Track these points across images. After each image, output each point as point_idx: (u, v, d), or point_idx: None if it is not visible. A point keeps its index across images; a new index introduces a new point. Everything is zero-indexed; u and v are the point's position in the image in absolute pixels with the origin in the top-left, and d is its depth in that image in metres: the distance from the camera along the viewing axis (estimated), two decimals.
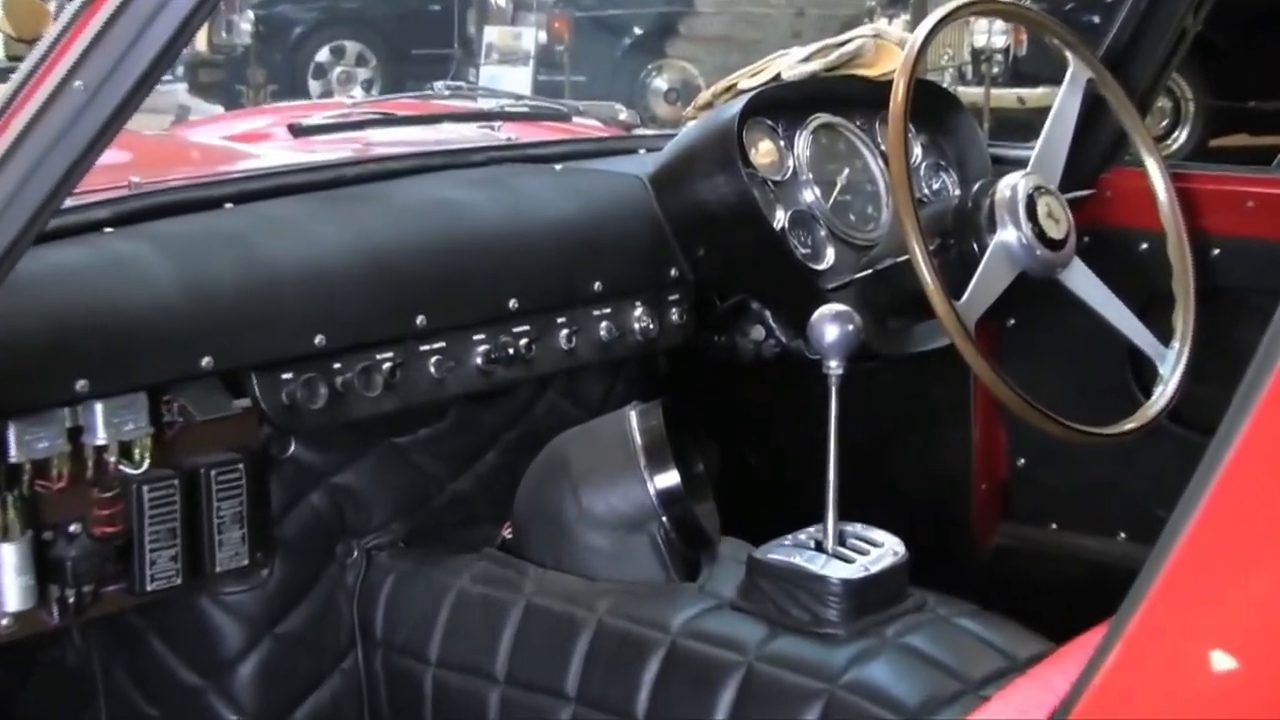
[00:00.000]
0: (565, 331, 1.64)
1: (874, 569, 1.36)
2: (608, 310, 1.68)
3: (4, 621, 1.26)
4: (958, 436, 1.94)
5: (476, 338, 1.57)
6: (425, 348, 1.52)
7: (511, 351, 1.59)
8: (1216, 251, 1.76)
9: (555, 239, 1.66)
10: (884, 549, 1.39)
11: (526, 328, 1.60)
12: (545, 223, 1.67)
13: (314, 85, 8.06)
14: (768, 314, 1.77)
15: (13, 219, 1.00)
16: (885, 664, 1.27)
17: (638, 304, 1.71)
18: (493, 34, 7.56)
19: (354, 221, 1.57)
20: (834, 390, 1.36)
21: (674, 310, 1.74)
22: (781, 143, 1.79)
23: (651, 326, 1.71)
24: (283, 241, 1.48)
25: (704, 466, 1.59)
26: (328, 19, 8.26)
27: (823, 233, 1.76)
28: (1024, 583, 1.88)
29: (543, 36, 7.42)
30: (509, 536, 1.57)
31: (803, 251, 1.74)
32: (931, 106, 1.85)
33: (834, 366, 1.37)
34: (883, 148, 1.85)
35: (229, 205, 1.53)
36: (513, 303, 1.60)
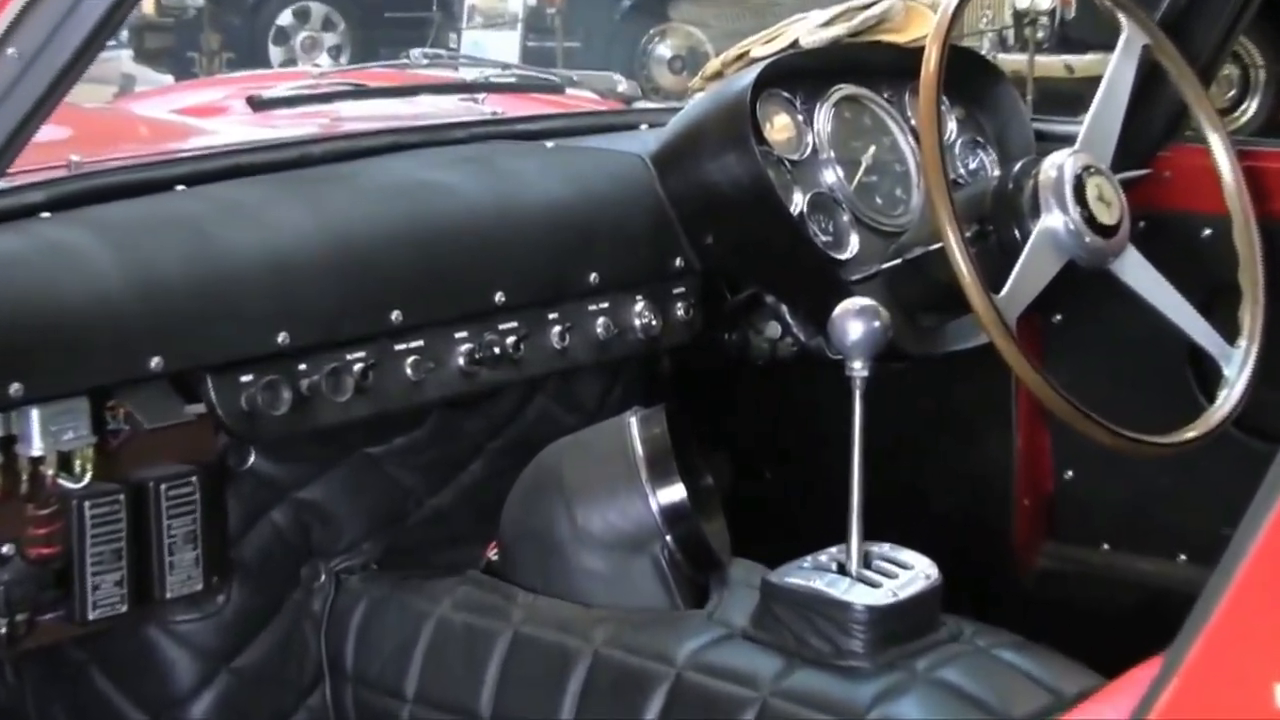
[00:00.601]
0: (558, 329, 1.65)
1: (903, 594, 1.36)
2: (605, 305, 1.69)
3: None
4: (997, 446, 1.94)
5: (458, 335, 1.58)
6: (401, 347, 1.53)
7: (497, 351, 1.59)
8: None
9: (546, 225, 1.67)
10: (914, 572, 1.40)
11: (514, 324, 1.61)
12: (535, 207, 1.68)
13: (275, 52, 7.99)
14: (784, 309, 1.78)
15: None
16: (915, 701, 1.27)
17: (639, 298, 1.72)
18: None
19: (321, 205, 1.57)
20: (858, 394, 1.37)
21: (679, 305, 1.76)
22: (800, 117, 1.80)
23: (654, 323, 1.72)
24: (241, 228, 1.48)
25: (713, 480, 1.59)
26: None
27: (846, 218, 1.77)
28: (1071, 610, 1.88)
29: None
30: (495, 558, 1.58)
31: (823, 239, 1.74)
32: (968, 76, 1.85)
33: (858, 368, 1.37)
34: (913, 123, 1.85)
35: (180, 188, 1.54)
36: (499, 296, 1.60)
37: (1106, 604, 1.89)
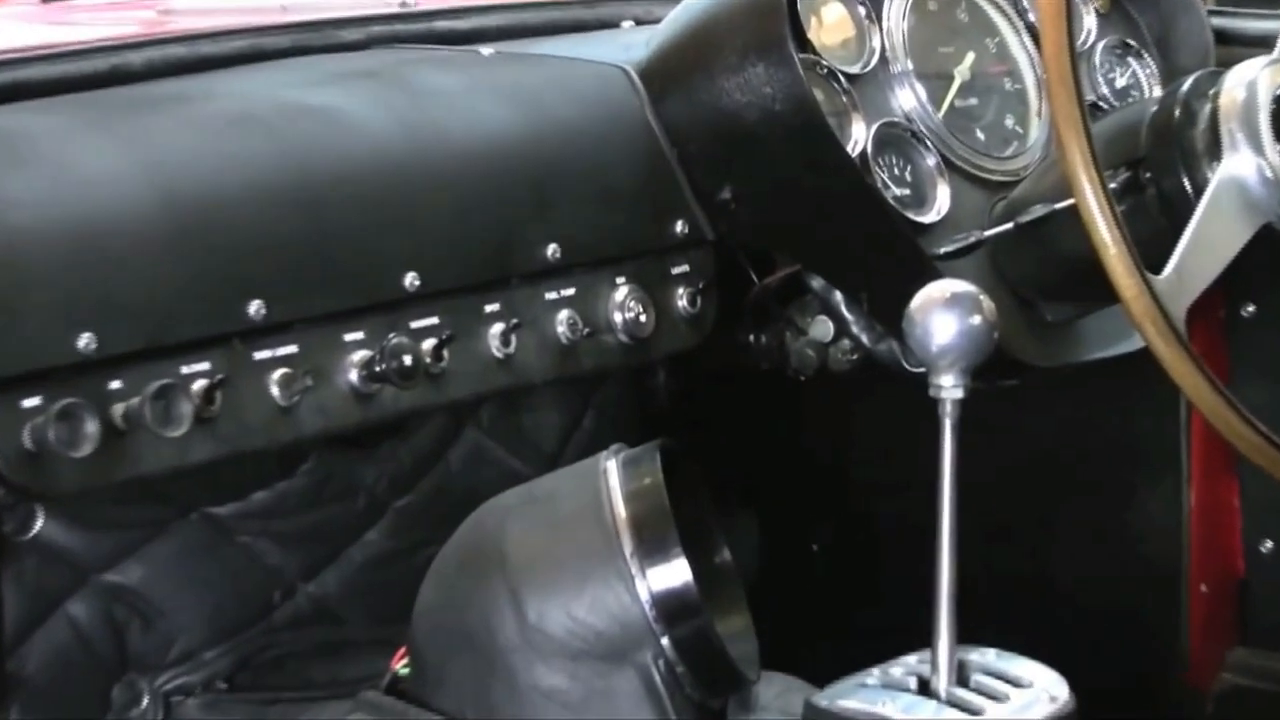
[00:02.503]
0: (498, 327, 1.66)
1: None
2: (570, 291, 1.71)
3: None
4: (1159, 504, 1.96)
5: (349, 338, 1.58)
6: (264, 355, 1.54)
7: (408, 360, 1.59)
8: None
9: (482, 172, 1.69)
10: (1034, 692, 1.40)
11: (433, 320, 1.63)
12: (464, 145, 1.70)
13: None
14: (837, 297, 1.79)
15: None
16: None
17: (620, 281, 1.75)
18: None
19: (142, 143, 1.56)
20: (949, 425, 1.37)
21: (681, 291, 1.78)
22: (861, 10, 1.82)
23: (643, 318, 1.75)
24: (20, 176, 1.48)
25: (733, 553, 1.60)
26: None
27: (930, 161, 1.79)
28: None
29: None
30: (404, 672, 1.58)
31: (897, 192, 1.76)
32: None
33: (949, 385, 1.38)
34: (1031, 18, 1.87)
35: None
36: (410, 278, 1.61)
37: None
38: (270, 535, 1.69)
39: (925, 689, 1.39)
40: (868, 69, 1.79)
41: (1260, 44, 1.74)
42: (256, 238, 1.55)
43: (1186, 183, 1.64)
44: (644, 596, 1.47)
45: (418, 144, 1.67)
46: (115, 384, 1.45)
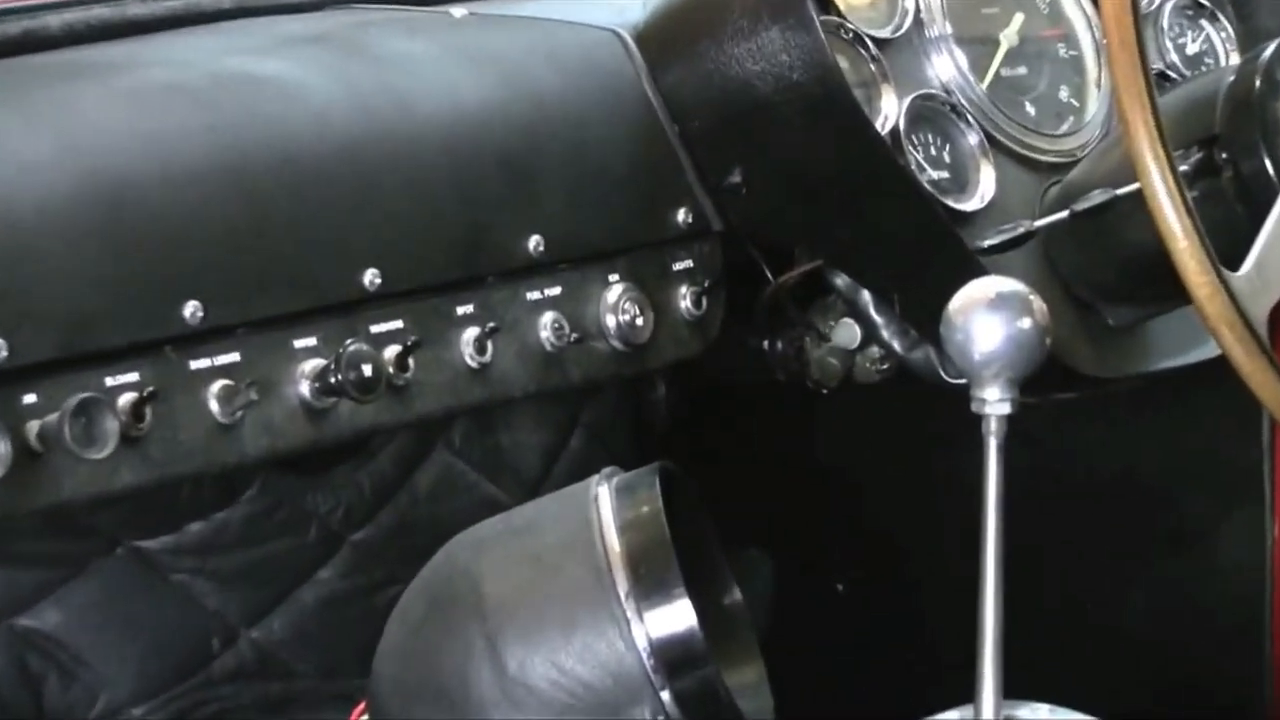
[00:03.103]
0: (472, 332, 1.67)
1: None
2: (555, 291, 1.72)
3: None
4: (1237, 536, 1.96)
5: (300, 344, 1.59)
6: (201, 364, 1.54)
7: (368, 370, 1.59)
8: None
9: (453, 152, 1.70)
10: None
11: (396, 324, 1.63)
12: (434, 121, 1.71)
13: None
14: (865, 297, 1.80)
15: None
16: None
17: (613, 278, 1.76)
18: None
19: (60, 120, 1.56)
20: (994, 446, 1.37)
21: (684, 290, 1.80)
22: None
23: (640, 321, 1.76)
24: None
25: (744, 593, 1.61)
26: None
27: (973, 140, 1.80)
28: None
29: None
30: None
31: (934, 175, 1.78)
32: None
33: (994, 399, 1.37)
34: None
35: None
36: (370, 276, 1.62)
37: None
38: (208, 573, 1.69)
39: None
40: (900, 33, 1.80)
41: None
42: (191, 229, 1.55)
43: (1268, 164, 1.64)
44: (641, 643, 1.46)
45: (378, 120, 1.67)
46: (29, 398, 1.45)
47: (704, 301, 1.79)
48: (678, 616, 1.46)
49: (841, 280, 1.81)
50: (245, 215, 1.58)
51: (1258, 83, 1.67)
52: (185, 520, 1.68)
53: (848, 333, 1.82)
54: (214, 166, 1.58)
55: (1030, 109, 1.85)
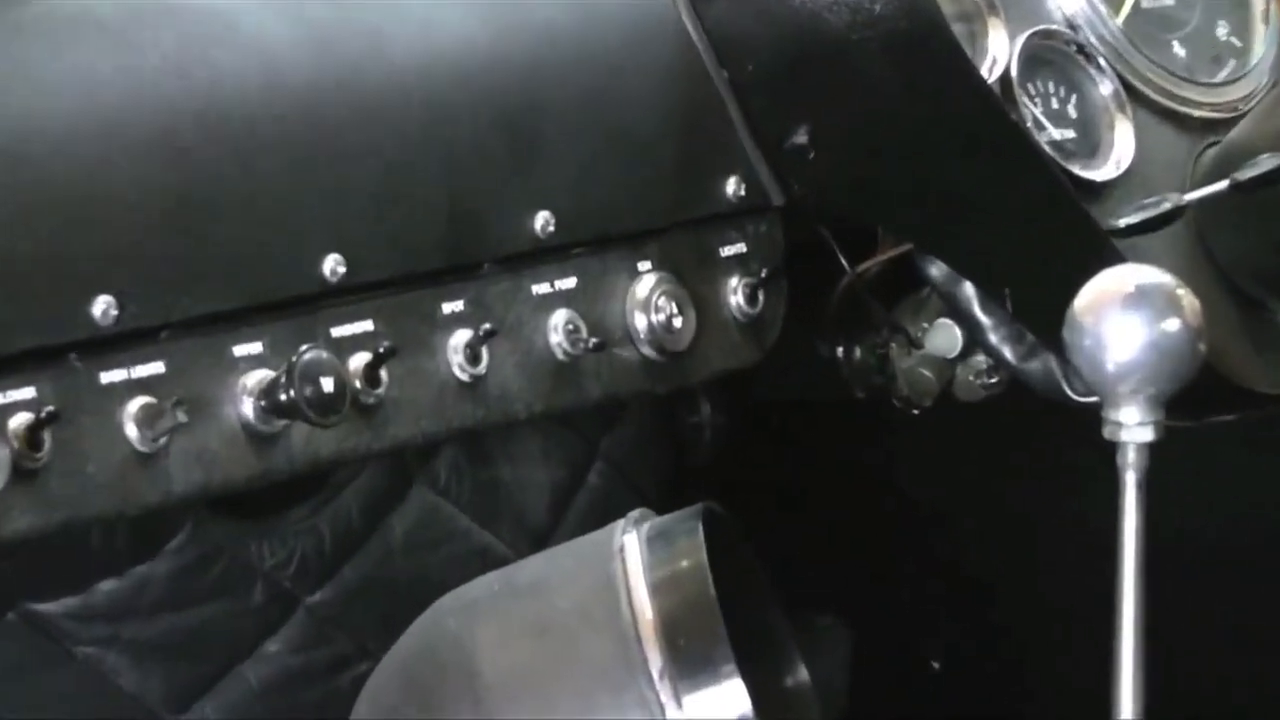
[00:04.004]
0: (462, 336, 1.67)
1: None
2: (568, 282, 1.74)
3: None
4: None
5: (241, 352, 1.58)
6: (115, 376, 1.53)
7: (329, 385, 1.58)
8: None
9: (437, 107, 1.71)
10: None
11: (365, 325, 1.63)
12: (415, 68, 1.71)
13: None
14: (967, 291, 1.80)
15: None
16: None
17: (643, 266, 1.78)
18: None
19: None
20: (1131, 482, 1.38)
21: (734, 282, 1.81)
22: None
23: (677, 322, 1.77)
24: None
25: (813, 672, 1.61)
26: None
27: (1105, 88, 1.83)
28: None
29: None
30: None
31: (1056, 135, 1.80)
32: None
33: (1132, 422, 1.38)
34: None
35: None
36: (331, 264, 1.62)
37: None
38: (123, 645, 1.69)
39: None
40: None
41: None
42: (102, 204, 1.53)
43: None
44: None
45: (341, 62, 1.67)
46: None
47: (760, 297, 1.80)
48: (727, 702, 1.45)
49: (937, 269, 1.81)
50: (171, 186, 1.56)
51: None
52: (94, 577, 1.68)
53: (946, 337, 1.83)
54: (130, 122, 1.57)
55: (1179, 50, 1.87)
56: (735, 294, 1.79)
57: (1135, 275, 1.39)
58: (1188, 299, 1.37)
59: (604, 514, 1.59)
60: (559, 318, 1.70)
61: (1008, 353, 1.80)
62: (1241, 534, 1.91)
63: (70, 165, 1.52)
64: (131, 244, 1.53)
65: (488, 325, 1.66)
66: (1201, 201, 1.71)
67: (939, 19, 1.72)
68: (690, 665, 1.46)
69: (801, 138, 1.78)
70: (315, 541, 1.77)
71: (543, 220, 1.69)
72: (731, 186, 1.79)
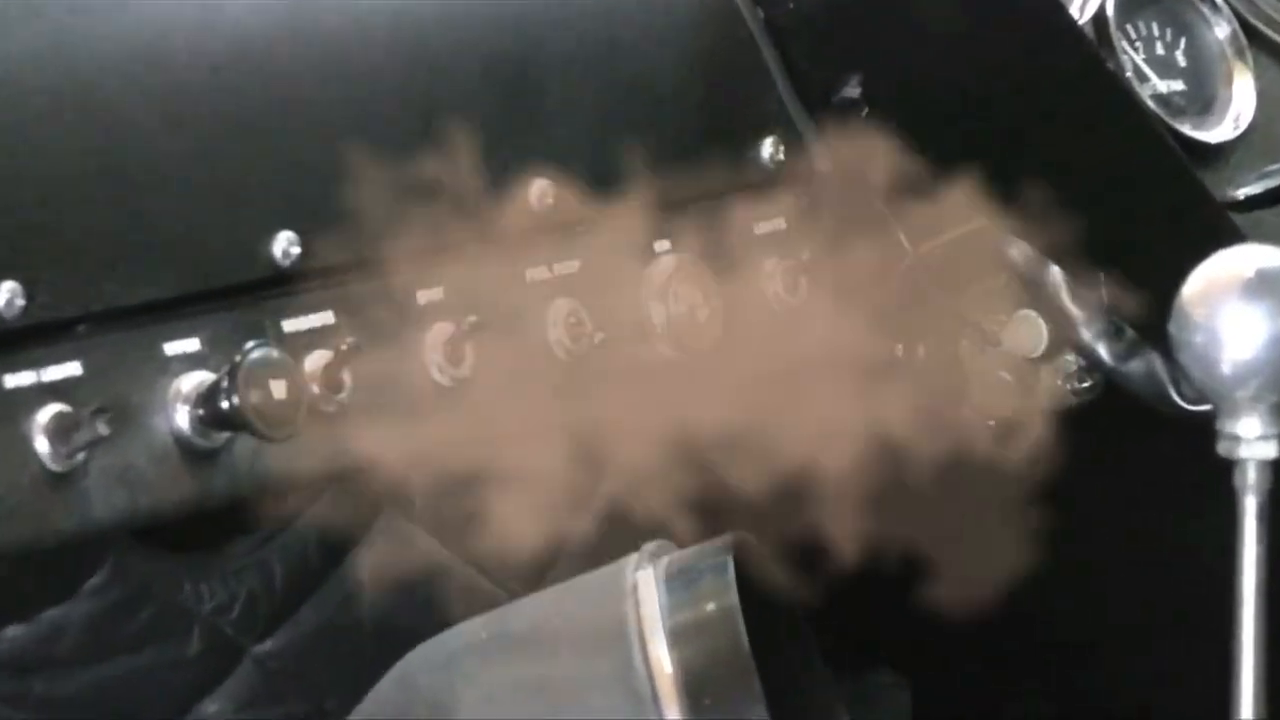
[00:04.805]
0: (441, 330, 1.70)
1: None
2: (570, 266, 1.77)
3: None
4: None
5: (174, 349, 1.59)
6: (22, 380, 1.53)
7: (280, 391, 1.58)
8: None
9: (413, 57, 1.75)
10: None
11: (324, 318, 1.66)
12: (386, 11, 1.75)
13: None
14: (1054, 276, 1.81)
15: None
16: None
17: (661, 246, 1.80)
18: None
19: None
20: (1251, 504, 1.38)
21: (772, 264, 1.84)
22: None
23: (701, 313, 1.80)
24: None
25: None
26: None
27: (1220, 33, 1.83)
28: None
29: None
30: None
31: (1161, 88, 1.81)
32: None
33: (1253, 435, 1.38)
34: None
35: None
36: (283, 245, 1.64)
37: None
38: (34, 703, 1.69)
39: None
40: None
41: None
42: (4, 173, 1.54)
43: None
44: None
45: (295, 6, 1.68)
46: None
47: (802, 283, 1.79)
48: None
49: (1016, 251, 1.82)
50: (93, 154, 1.58)
51: None
52: (3, 621, 1.68)
53: (1027, 332, 1.83)
54: (45, 81, 1.58)
55: None
56: (773, 279, 1.80)
57: (1257, 257, 1.38)
58: None
59: (611, 548, 1.60)
60: (559, 308, 1.71)
61: (1102, 351, 1.81)
62: None
63: None
64: (41, 220, 1.54)
65: (473, 318, 1.66)
66: None
67: None
68: None
69: (853, 90, 1.79)
70: (264, 580, 1.78)
71: (538, 191, 1.70)
72: (768, 149, 1.81)
